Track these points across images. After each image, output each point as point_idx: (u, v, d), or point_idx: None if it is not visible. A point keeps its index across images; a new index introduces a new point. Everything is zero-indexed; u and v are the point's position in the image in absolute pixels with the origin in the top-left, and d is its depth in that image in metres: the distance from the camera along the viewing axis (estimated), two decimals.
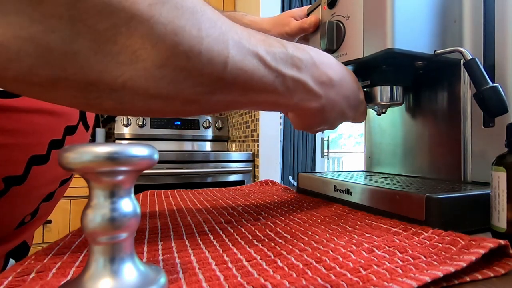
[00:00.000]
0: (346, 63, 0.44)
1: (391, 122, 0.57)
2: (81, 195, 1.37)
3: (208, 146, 2.12)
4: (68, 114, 0.38)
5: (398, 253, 0.23)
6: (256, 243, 0.27)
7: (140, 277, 0.16)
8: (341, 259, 0.22)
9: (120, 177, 0.16)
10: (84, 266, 0.17)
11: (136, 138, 1.93)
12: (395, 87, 0.46)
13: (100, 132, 1.79)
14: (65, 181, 0.43)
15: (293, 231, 0.31)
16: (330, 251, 0.24)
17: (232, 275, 0.20)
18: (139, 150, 0.16)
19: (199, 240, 0.28)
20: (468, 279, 0.20)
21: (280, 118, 2.09)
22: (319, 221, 0.35)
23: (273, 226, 0.33)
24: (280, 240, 0.28)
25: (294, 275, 0.20)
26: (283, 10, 2.00)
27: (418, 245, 0.25)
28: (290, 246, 0.26)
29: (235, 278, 0.20)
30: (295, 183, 0.67)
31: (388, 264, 0.21)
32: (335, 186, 0.45)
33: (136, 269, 0.17)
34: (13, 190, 0.33)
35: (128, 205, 0.16)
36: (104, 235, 0.16)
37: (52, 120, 0.36)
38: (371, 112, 0.62)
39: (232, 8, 2.09)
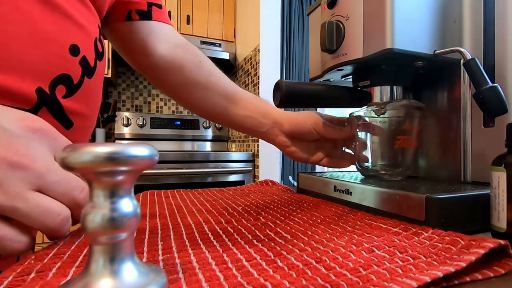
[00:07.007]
0: (345, 63, 0.44)
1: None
2: None
3: (208, 146, 2.12)
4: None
5: (398, 253, 0.23)
6: (256, 243, 0.27)
7: (140, 277, 0.16)
8: (341, 259, 0.22)
9: (120, 177, 0.16)
10: (84, 266, 0.16)
11: (136, 138, 1.93)
12: (395, 87, 0.46)
13: (100, 132, 1.79)
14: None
15: (293, 231, 0.31)
16: (330, 251, 0.24)
17: (232, 275, 0.20)
18: (139, 150, 0.16)
19: (199, 240, 0.28)
20: (468, 279, 0.20)
21: None
22: (319, 221, 0.35)
23: (273, 226, 0.33)
24: (280, 240, 0.28)
25: (294, 275, 0.20)
26: (283, 9, 1.99)
27: (418, 245, 0.25)
28: (290, 246, 0.26)
29: (235, 278, 0.20)
30: (295, 183, 0.67)
31: (388, 264, 0.21)
32: (335, 186, 0.45)
33: (136, 269, 0.17)
34: None
35: (128, 205, 0.16)
36: (104, 235, 0.16)
37: None
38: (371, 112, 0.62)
39: (232, 8, 2.09)
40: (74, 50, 0.32)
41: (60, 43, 0.31)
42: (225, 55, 1.94)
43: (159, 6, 0.52)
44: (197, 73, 0.53)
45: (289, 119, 0.53)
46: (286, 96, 0.44)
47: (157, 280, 0.17)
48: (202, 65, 0.54)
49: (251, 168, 1.62)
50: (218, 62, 1.94)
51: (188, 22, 1.95)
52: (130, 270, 0.16)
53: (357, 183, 0.42)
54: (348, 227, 0.31)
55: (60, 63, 0.30)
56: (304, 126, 0.51)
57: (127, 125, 1.90)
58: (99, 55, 0.38)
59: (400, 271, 0.20)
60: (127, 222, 0.16)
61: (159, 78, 0.54)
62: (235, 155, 1.60)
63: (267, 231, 0.31)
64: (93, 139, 1.75)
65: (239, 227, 0.33)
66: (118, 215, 0.16)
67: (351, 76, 0.51)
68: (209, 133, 2.10)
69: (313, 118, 0.52)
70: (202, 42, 1.92)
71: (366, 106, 0.49)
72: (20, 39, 0.27)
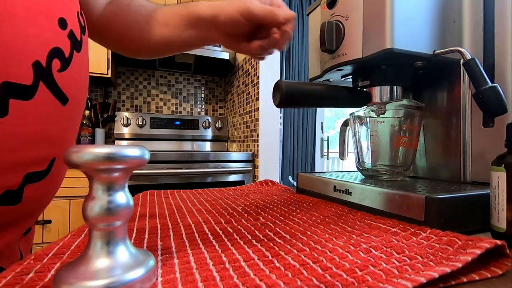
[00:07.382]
0: (345, 63, 0.44)
1: None
2: (80, 195, 1.37)
3: (208, 146, 2.12)
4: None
5: (395, 253, 0.23)
6: (255, 243, 0.27)
7: (131, 258, 0.19)
8: (338, 259, 0.22)
9: (116, 174, 0.18)
10: (85, 248, 0.19)
11: (136, 138, 1.93)
12: (394, 87, 0.46)
13: (99, 132, 1.79)
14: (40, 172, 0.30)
15: (293, 231, 0.31)
16: (328, 252, 0.24)
17: (229, 275, 0.20)
18: (132, 151, 0.18)
19: (199, 240, 0.28)
20: (465, 279, 0.20)
21: (280, 118, 2.09)
22: (319, 221, 0.35)
23: (273, 226, 0.33)
24: (279, 240, 0.28)
25: (290, 275, 0.20)
26: None
27: (416, 245, 0.25)
28: (289, 246, 0.26)
29: (231, 278, 0.20)
30: (295, 183, 0.67)
31: (385, 265, 0.21)
32: (335, 186, 0.45)
33: (128, 251, 0.19)
34: None
35: (122, 197, 0.19)
36: (101, 222, 0.18)
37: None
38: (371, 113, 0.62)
39: None
40: (62, 23, 0.32)
41: (51, 17, 0.30)
42: (225, 55, 1.93)
43: None
44: (129, 17, 0.48)
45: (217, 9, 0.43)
46: (286, 96, 0.44)
47: (146, 261, 0.19)
48: (130, 7, 0.49)
49: (251, 168, 1.62)
50: (218, 62, 1.94)
51: None
52: (123, 252, 0.19)
53: (357, 183, 0.42)
54: (347, 227, 0.31)
55: (51, 37, 0.30)
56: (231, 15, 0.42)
57: (126, 125, 1.90)
58: (83, 29, 0.37)
59: (396, 272, 0.20)
60: (121, 212, 0.19)
61: (99, 38, 0.50)
62: (235, 155, 1.60)
63: (267, 231, 0.31)
64: (93, 139, 1.75)
65: (239, 227, 0.33)
66: (114, 206, 0.19)
67: (351, 76, 0.51)
68: (209, 133, 2.10)
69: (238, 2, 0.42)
70: None
71: (366, 106, 0.49)
72: (19, 13, 0.27)
